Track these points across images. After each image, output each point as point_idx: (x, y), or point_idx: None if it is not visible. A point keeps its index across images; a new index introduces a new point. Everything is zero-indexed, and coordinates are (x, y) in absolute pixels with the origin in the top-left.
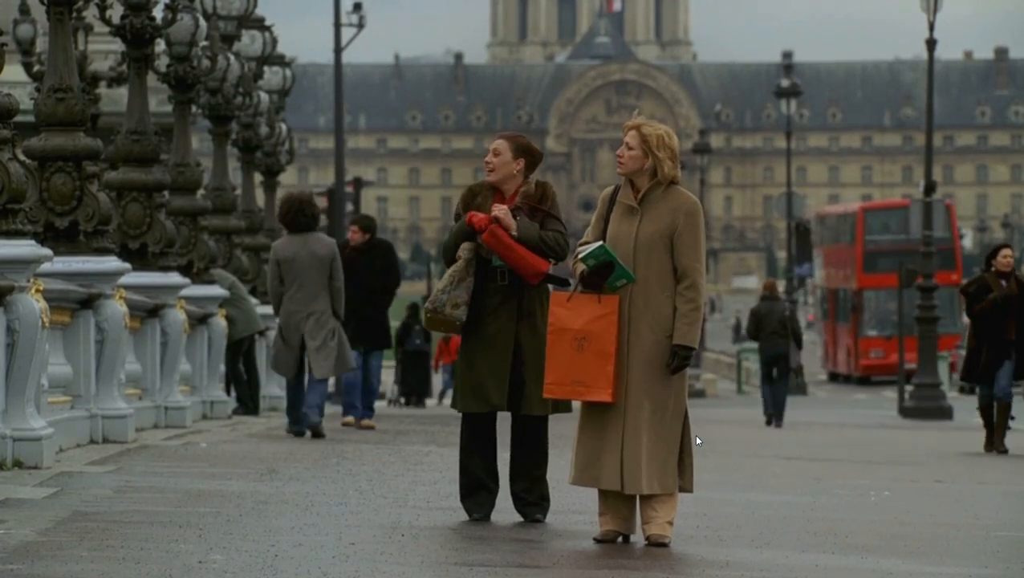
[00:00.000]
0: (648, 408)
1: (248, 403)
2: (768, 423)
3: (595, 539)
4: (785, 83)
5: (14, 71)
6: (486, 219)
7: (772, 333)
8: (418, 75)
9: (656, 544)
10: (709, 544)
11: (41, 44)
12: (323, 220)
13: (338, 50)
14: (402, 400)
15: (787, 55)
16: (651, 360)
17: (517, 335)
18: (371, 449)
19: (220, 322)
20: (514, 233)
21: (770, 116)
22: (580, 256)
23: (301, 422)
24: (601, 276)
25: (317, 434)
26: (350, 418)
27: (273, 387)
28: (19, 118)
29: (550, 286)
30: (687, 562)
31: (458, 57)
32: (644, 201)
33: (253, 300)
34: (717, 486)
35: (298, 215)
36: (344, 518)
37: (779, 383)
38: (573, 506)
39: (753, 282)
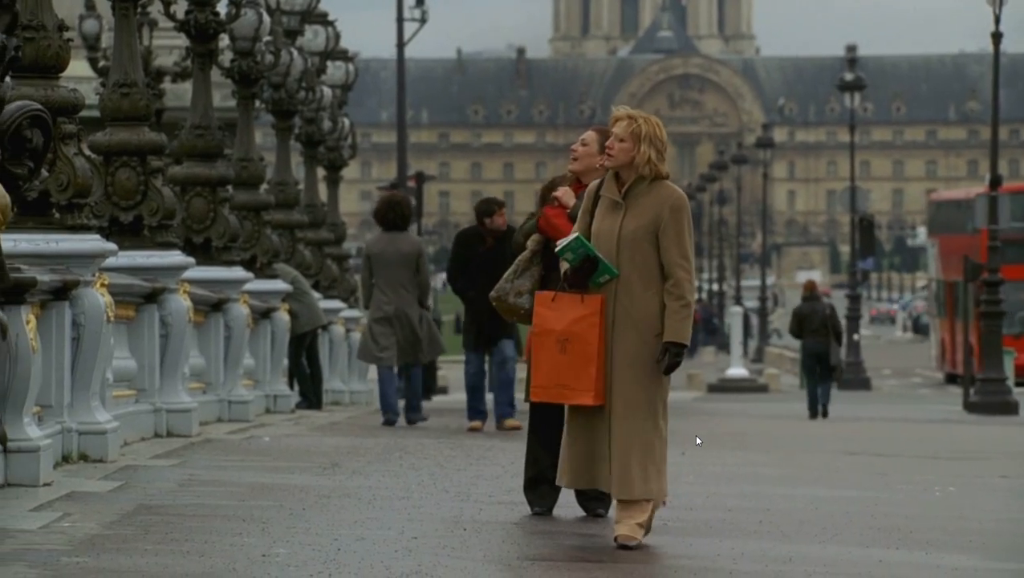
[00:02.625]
0: (634, 410)
1: (311, 397)
2: (812, 417)
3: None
4: (849, 77)
5: (80, 66)
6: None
7: (814, 332)
8: (481, 69)
9: (623, 546)
10: (772, 539)
11: (106, 40)
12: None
13: (401, 45)
14: None
15: (851, 48)
16: (635, 361)
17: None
18: (433, 443)
19: (283, 316)
20: (569, 213)
21: (834, 110)
22: (557, 249)
23: (392, 410)
24: (585, 273)
25: (412, 421)
26: (477, 423)
27: (336, 381)
28: (84, 113)
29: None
30: (750, 557)
31: (520, 52)
32: (628, 195)
33: (316, 294)
34: (780, 481)
35: (389, 214)
36: (406, 512)
37: (823, 380)
38: None
39: (816, 277)
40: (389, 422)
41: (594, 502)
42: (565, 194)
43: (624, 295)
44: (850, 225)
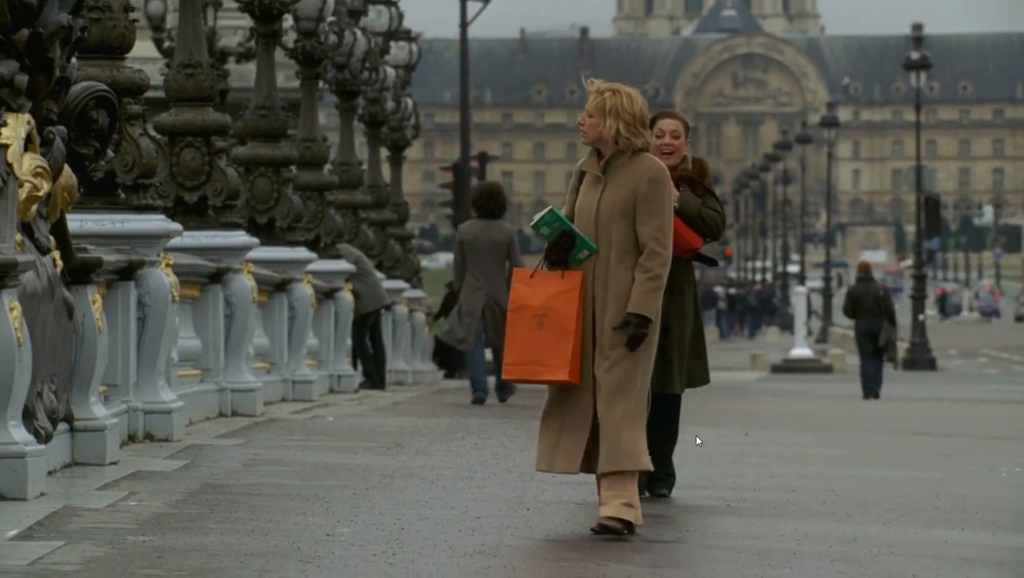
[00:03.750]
0: (622, 386)
1: (374, 377)
2: (866, 397)
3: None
4: (915, 55)
5: (145, 47)
6: None
7: (867, 312)
8: (544, 49)
9: (603, 529)
10: (836, 519)
11: (171, 20)
12: (449, 195)
13: (464, 25)
14: None
15: (917, 27)
16: (617, 337)
17: (667, 313)
18: (497, 423)
19: (347, 296)
20: (676, 205)
21: (899, 89)
22: (532, 224)
23: (482, 389)
24: (563, 249)
25: (504, 400)
26: None
27: (399, 361)
28: (149, 94)
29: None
30: (814, 538)
31: (584, 31)
32: (608, 169)
33: (379, 275)
34: (844, 462)
35: (487, 202)
36: (469, 492)
37: (876, 358)
38: (699, 482)
39: (881, 256)
40: (478, 401)
41: (658, 482)
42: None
43: (602, 270)
44: (916, 205)
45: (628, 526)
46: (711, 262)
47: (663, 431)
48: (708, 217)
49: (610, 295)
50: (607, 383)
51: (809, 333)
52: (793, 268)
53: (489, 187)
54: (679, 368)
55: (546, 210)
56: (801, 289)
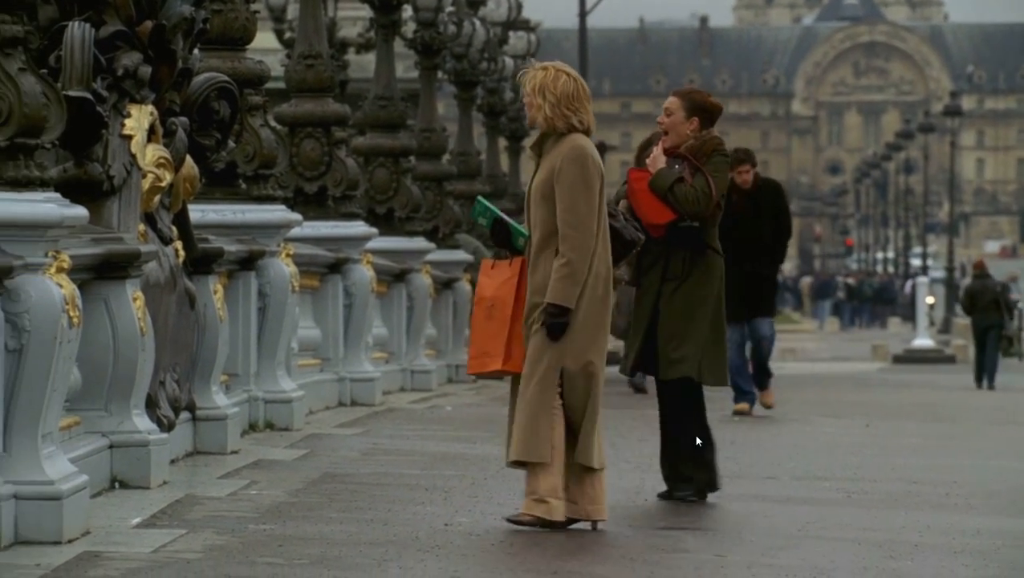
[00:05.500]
0: (527, 373)
1: None
2: (979, 387)
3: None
4: None
5: (266, 38)
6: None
7: (984, 308)
8: (663, 39)
9: (512, 521)
10: (958, 511)
11: (292, 11)
12: None
13: (583, 14)
14: None
15: None
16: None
17: (658, 298)
18: (614, 413)
19: (465, 287)
20: (651, 180)
21: None
22: (471, 215)
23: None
24: (500, 237)
25: (640, 390)
26: (744, 405)
27: None
28: (270, 85)
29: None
30: (936, 529)
31: (703, 20)
32: (541, 151)
33: None
34: (966, 453)
35: None
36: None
37: (991, 350)
38: (819, 473)
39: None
40: (641, 390)
41: (676, 484)
42: (652, 160)
43: (532, 256)
44: None
45: (540, 522)
46: (625, 244)
47: (663, 429)
48: (680, 193)
49: (533, 282)
50: (526, 370)
51: (931, 323)
52: (915, 260)
53: None
54: (668, 355)
55: (477, 200)
56: (923, 279)
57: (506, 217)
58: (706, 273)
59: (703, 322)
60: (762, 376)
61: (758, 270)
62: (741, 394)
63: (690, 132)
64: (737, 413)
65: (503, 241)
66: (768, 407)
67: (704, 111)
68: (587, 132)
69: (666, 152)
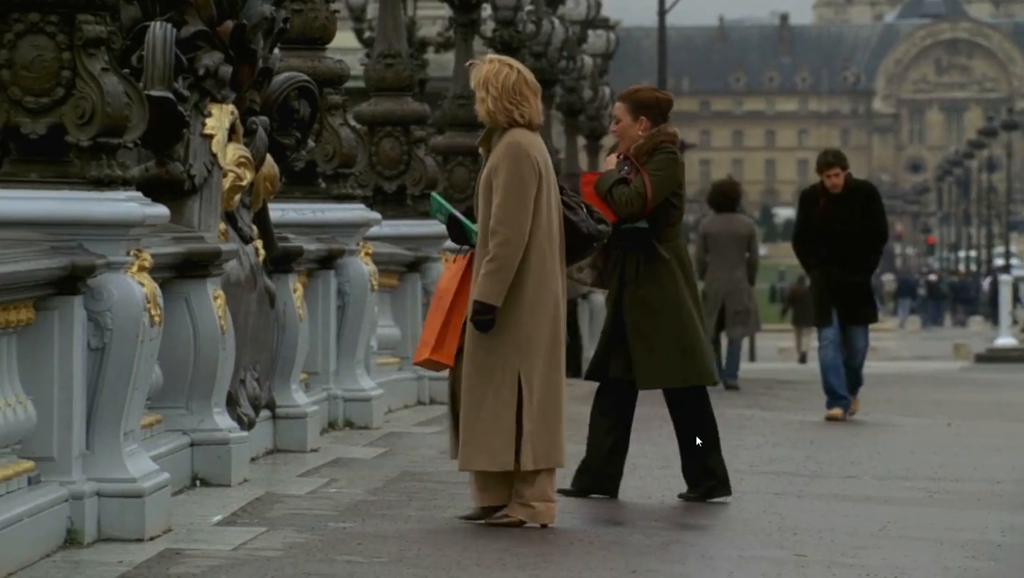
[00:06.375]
0: (473, 375)
1: (571, 367)
2: None
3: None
4: None
5: (345, 37)
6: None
7: None
8: (743, 37)
9: (466, 518)
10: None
11: (371, 11)
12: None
13: (662, 13)
14: None
15: None
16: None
17: (618, 303)
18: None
19: None
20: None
21: None
22: (430, 212)
23: (731, 376)
24: (455, 232)
25: (731, 387)
26: (837, 410)
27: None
28: (349, 84)
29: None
30: (1020, 529)
31: (783, 18)
32: (490, 148)
33: None
34: None
35: (723, 199)
36: (665, 481)
37: None
38: (901, 472)
39: None
40: (732, 387)
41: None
42: (607, 161)
43: (477, 252)
44: None
45: (519, 524)
46: (584, 237)
47: (677, 435)
48: (616, 194)
49: (475, 280)
50: (465, 373)
51: (1014, 322)
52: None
53: (723, 185)
54: (642, 366)
55: (432, 196)
56: (1006, 277)
57: (459, 214)
58: (658, 276)
59: (667, 329)
60: (854, 383)
61: (848, 278)
62: (835, 399)
63: (641, 133)
64: (830, 419)
65: (458, 237)
66: (852, 413)
67: (649, 107)
68: (530, 126)
69: (617, 155)
